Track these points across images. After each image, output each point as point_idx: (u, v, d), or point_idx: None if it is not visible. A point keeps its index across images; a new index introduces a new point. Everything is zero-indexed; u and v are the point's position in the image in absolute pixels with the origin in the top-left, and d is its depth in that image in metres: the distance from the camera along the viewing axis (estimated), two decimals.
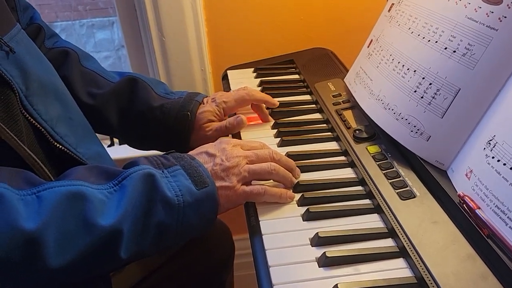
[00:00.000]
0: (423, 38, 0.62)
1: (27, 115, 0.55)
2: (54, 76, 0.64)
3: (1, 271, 0.43)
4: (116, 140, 1.18)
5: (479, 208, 0.48)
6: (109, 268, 0.53)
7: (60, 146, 0.57)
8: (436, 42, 0.59)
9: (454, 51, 0.56)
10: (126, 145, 1.14)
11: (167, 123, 0.75)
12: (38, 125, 0.55)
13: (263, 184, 0.59)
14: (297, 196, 0.58)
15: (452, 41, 0.57)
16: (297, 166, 0.62)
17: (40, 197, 0.46)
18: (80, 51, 0.81)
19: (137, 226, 0.49)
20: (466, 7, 0.56)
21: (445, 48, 0.57)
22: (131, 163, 0.54)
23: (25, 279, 0.44)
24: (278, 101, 0.82)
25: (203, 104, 0.77)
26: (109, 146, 1.17)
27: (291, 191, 0.59)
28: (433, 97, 0.58)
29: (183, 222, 0.52)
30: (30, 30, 0.77)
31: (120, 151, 1.13)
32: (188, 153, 0.58)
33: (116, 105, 0.77)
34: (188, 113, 0.74)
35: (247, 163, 0.58)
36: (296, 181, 0.60)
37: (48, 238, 0.44)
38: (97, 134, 0.69)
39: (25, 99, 0.54)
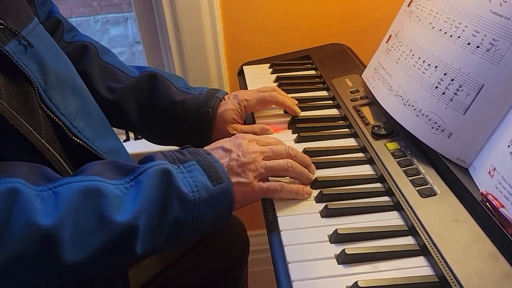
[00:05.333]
0: (445, 33, 0.60)
1: (46, 109, 0.55)
2: (71, 71, 0.64)
3: (18, 267, 0.43)
4: (131, 135, 1.18)
5: (503, 206, 0.47)
6: (124, 264, 0.54)
7: (78, 140, 0.57)
8: (459, 37, 0.58)
9: (478, 47, 0.55)
10: (142, 140, 1.15)
11: (188, 119, 0.75)
12: (57, 119, 0.56)
13: (279, 180, 0.58)
14: (315, 192, 0.58)
15: (475, 36, 0.55)
16: (314, 163, 0.62)
17: (56, 192, 0.46)
18: (99, 45, 0.81)
19: (153, 222, 0.49)
20: (490, 1, 0.55)
21: (468, 44, 0.56)
22: (147, 158, 0.54)
23: (41, 275, 0.44)
24: (295, 97, 0.82)
25: (224, 100, 0.77)
26: (124, 141, 1.17)
27: (308, 187, 0.59)
28: (455, 93, 0.56)
29: (198, 218, 0.51)
30: (49, 24, 0.77)
31: (136, 146, 1.14)
32: (204, 148, 0.58)
33: (136, 100, 0.76)
34: (210, 109, 0.74)
35: (263, 159, 0.57)
36: (314, 177, 0.60)
37: (64, 234, 0.44)
38: (113, 128, 0.69)
39: (44, 93, 0.54)
